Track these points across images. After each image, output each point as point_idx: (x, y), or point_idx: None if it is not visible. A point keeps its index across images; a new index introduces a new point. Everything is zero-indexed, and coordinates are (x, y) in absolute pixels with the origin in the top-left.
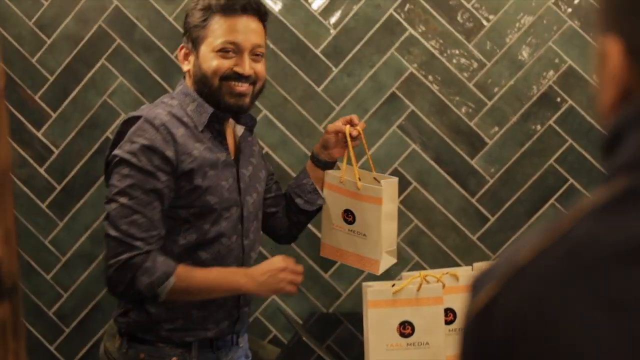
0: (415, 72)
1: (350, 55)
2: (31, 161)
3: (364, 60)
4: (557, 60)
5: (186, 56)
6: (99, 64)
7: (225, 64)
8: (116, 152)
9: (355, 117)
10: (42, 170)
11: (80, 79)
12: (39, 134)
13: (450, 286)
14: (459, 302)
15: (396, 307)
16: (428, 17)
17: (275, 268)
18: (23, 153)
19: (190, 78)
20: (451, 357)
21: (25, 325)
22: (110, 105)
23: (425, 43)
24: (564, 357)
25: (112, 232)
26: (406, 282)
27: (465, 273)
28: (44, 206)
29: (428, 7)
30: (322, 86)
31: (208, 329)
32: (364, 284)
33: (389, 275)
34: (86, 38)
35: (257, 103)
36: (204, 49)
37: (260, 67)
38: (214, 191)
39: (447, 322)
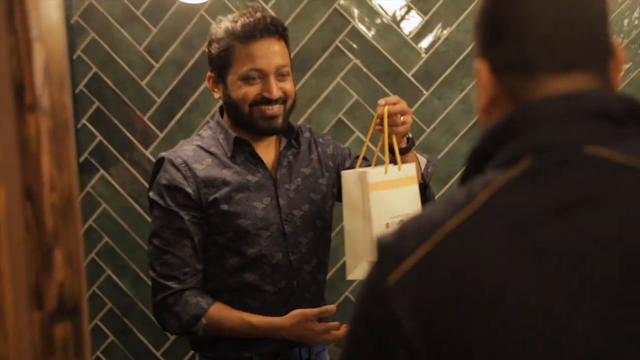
0: None
1: (441, 79)
2: (140, 179)
3: (455, 84)
4: None
5: (215, 84)
6: (202, 87)
7: (253, 90)
8: (150, 193)
9: (389, 98)
10: None
11: (184, 101)
12: (147, 153)
13: None
14: None
15: None
16: None
17: (304, 335)
18: (133, 171)
19: (224, 105)
20: None
21: (90, 343)
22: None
23: None
24: (495, 297)
25: (151, 273)
26: None
27: None
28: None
29: None
30: (413, 109)
31: (266, 344)
32: None
33: None
34: (191, 63)
35: (350, 125)
36: (230, 78)
37: (288, 86)
38: (244, 214)
39: None
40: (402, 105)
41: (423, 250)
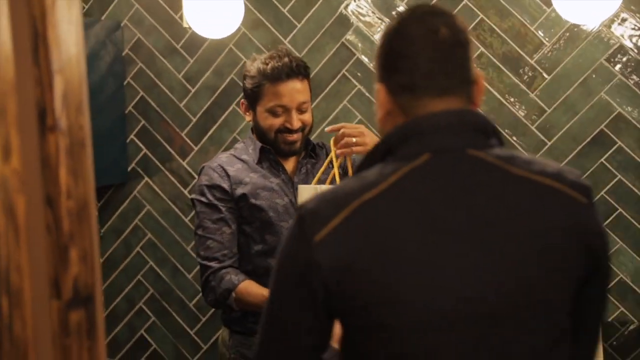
0: None
1: None
2: (178, 185)
3: None
4: (608, 108)
5: (246, 110)
6: (230, 108)
7: (277, 121)
8: (192, 196)
9: (334, 126)
10: (186, 192)
11: (216, 120)
12: (184, 163)
13: None
14: None
15: None
16: (498, 71)
17: None
18: (172, 178)
19: (253, 127)
20: None
21: (105, 327)
22: (238, 140)
23: (496, 93)
24: (397, 253)
25: (197, 259)
26: None
27: None
28: (187, 220)
29: (497, 62)
30: None
31: None
32: None
33: None
34: (221, 88)
35: None
36: (260, 109)
37: (306, 116)
38: (269, 207)
39: None
40: (349, 130)
41: (343, 215)
